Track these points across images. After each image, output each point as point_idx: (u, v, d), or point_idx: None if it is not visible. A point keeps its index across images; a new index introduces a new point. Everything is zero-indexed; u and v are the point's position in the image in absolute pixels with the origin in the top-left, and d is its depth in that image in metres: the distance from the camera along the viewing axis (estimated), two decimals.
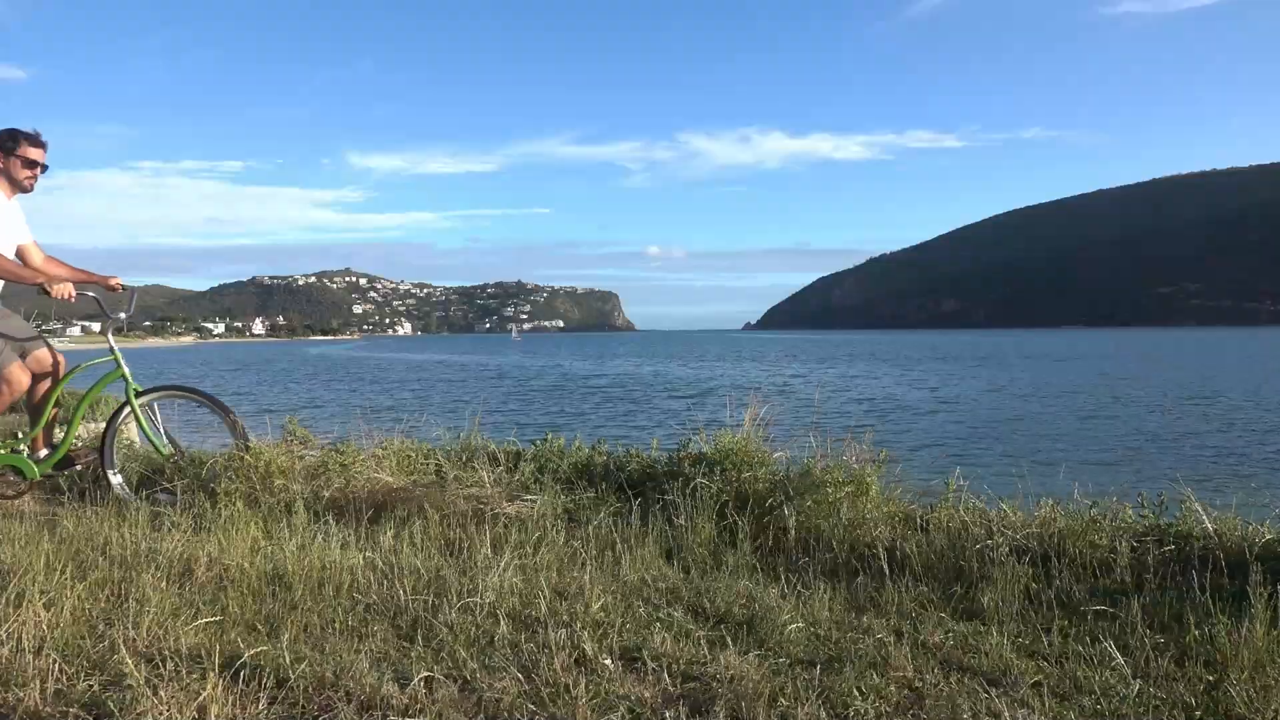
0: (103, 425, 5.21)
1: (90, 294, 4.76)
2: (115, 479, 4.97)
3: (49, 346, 4.89)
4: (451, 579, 3.32)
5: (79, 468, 5.01)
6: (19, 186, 4.74)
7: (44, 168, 4.78)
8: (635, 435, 15.91)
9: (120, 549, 3.70)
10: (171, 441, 4.97)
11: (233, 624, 2.87)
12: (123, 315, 5.01)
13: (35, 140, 4.72)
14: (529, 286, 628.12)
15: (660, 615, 3.07)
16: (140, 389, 4.82)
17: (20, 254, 4.96)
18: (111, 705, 2.26)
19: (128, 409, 4.88)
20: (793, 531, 3.98)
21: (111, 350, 4.76)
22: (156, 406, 4.91)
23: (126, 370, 4.79)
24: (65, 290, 4.48)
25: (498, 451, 5.20)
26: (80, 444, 5.14)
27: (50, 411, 4.89)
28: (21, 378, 4.61)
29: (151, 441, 4.89)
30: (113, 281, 5.01)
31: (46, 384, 4.85)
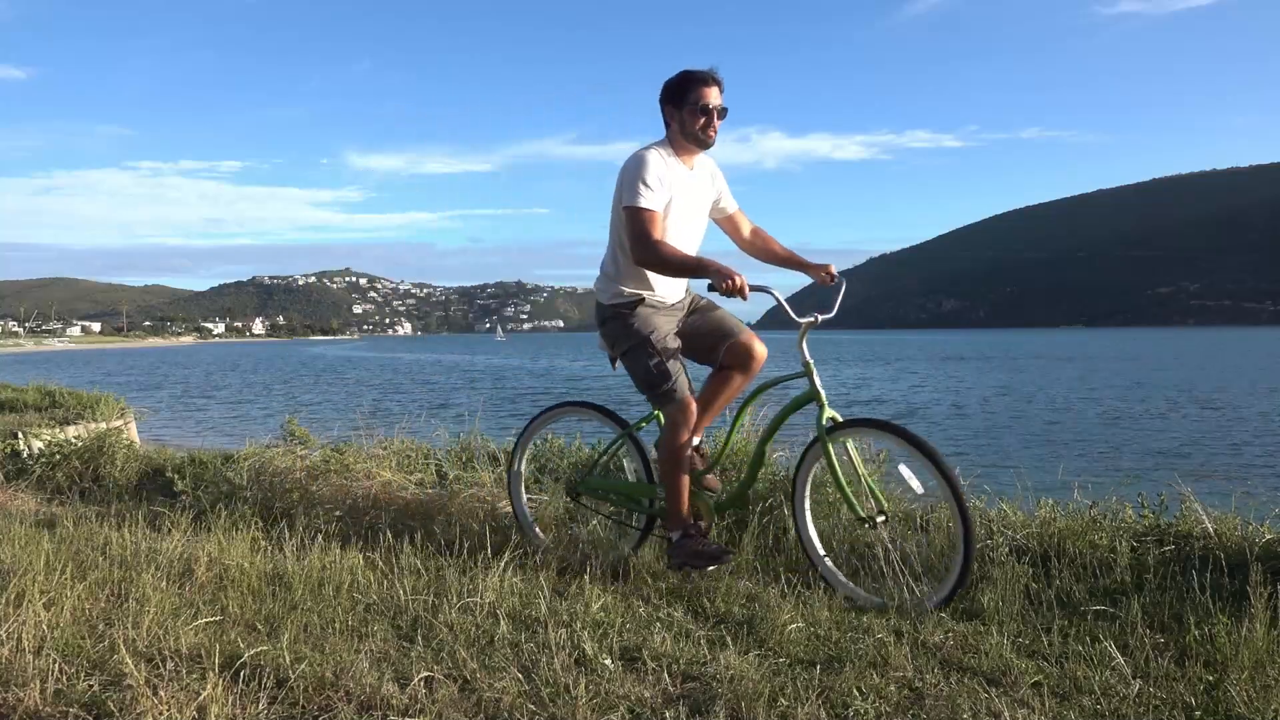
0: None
1: (771, 291, 3.63)
2: (813, 536, 3.68)
3: (751, 335, 3.83)
4: (451, 579, 3.32)
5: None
6: (696, 141, 3.65)
7: (722, 111, 3.64)
8: None
9: (120, 549, 3.70)
10: (872, 491, 3.55)
11: (233, 624, 2.87)
12: (819, 316, 3.69)
13: (707, 79, 3.62)
14: (529, 286, 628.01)
15: (660, 615, 3.07)
16: (839, 419, 3.57)
17: (728, 225, 4.07)
18: (111, 705, 2.26)
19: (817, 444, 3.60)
20: (793, 531, 3.97)
21: (805, 366, 3.58)
22: (852, 445, 3.63)
23: (823, 394, 3.57)
24: (735, 284, 3.33)
25: (497, 451, 5.21)
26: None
27: (735, 435, 3.99)
28: (691, 403, 3.68)
29: (842, 491, 3.51)
30: (824, 272, 3.92)
31: (736, 381, 3.83)
